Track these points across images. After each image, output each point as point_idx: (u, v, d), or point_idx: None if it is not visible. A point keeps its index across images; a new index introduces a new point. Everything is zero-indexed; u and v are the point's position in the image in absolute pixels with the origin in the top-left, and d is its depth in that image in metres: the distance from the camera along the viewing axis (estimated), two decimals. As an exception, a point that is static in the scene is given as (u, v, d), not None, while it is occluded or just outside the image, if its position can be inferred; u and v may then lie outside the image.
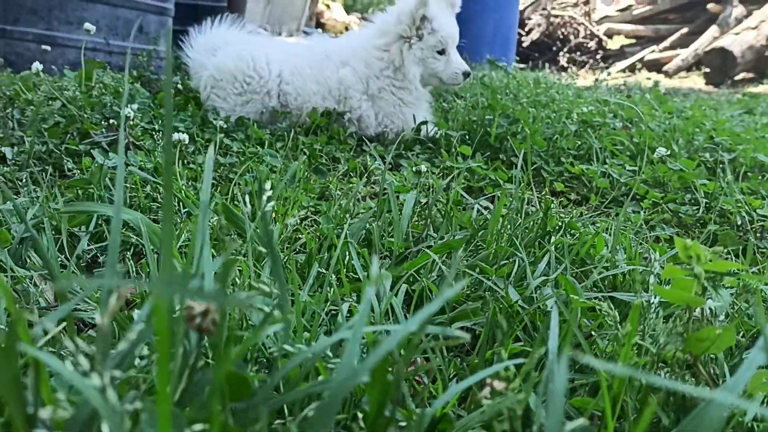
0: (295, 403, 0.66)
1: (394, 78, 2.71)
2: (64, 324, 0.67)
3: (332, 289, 1.13)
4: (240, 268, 0.98)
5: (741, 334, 1.07)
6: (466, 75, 2.77)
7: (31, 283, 1.11)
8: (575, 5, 11.00)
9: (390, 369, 0.53)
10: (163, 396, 0.42)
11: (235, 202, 1.65)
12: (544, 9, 10.84)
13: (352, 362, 0.47)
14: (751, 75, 9.29)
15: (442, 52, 2.74)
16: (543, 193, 1.85)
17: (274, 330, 0.63)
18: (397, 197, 1.58)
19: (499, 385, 0.58)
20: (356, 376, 0.46)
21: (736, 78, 9.11)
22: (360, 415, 0.73)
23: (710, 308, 0.88)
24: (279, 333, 0.65)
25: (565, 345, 0.56)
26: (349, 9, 12.95)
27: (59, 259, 1.19)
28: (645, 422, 0.59)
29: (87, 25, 2.80)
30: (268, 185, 0.78)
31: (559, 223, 1.49)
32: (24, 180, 1.67)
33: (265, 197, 0.77)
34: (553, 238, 1.41)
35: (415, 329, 0.54)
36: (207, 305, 0.54)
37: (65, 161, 1.89)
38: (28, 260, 1.20)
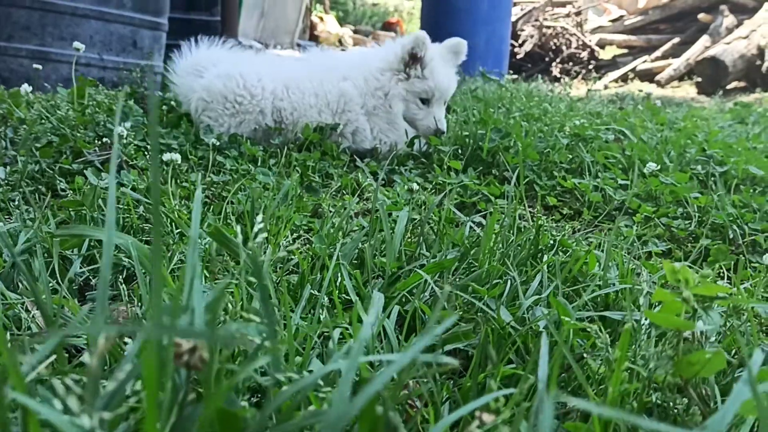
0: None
1: (385, 101, 2.72)
2: (53, 357, 0.67)
3: (324, 311, 1.13)
4: (232, 292, 0.98)
5: (733, 353, 1.08)
6: (439, 134, 2.73)
7: (23, 308, 1.11)
8: (567, 16, 11.07)
9: (378, 401, 0.53)
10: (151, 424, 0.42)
11: (228, 222, 1.65)
12: (536, 20, 10.89)
13: (345, 400, 0.47)
14: (742, 84, 9.34)
15: (426, 102, 2.73)
16: (536, 209, 1.85)
17: (265, 361, 0.63)
18: (389, 215, 1.58)
19: (488, 418, 0.58)
20: (348, 414, 0.46)
21: (728, 87, 9.16)
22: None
23: (701, 331, 0.89)
24: (270, 363, 0.66)
25: (554, 374, 0.57)
26: (342, 21, 13.00)
27: (51, 284, 1.19)
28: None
29: (76, 44, 2.80)
30: (259, 217, 0.78)
31: (551, 241, 1.50)
32: (17, 201, 1.67)
33: (256, 228, 0.77)
34: (545, 257, 1.41)
35: (407, 363, 0.54)
36: (195, 342, 0.54)
37: (58, 181, 1.89)
38: (20, 285, 1.20)
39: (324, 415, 0.53)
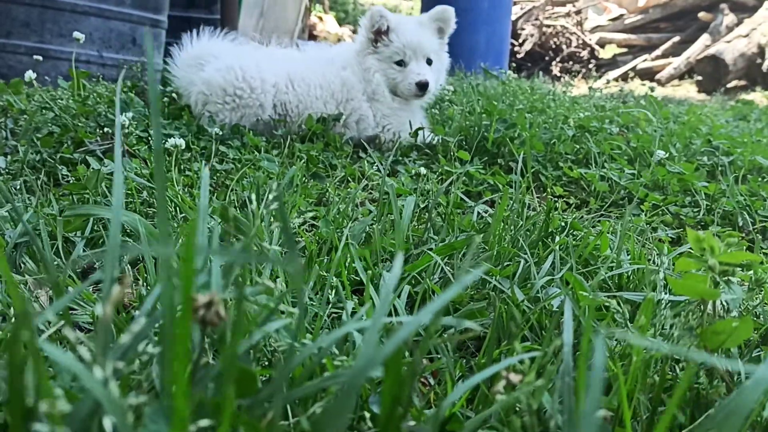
0: (302, 400, 0.64)
1: (369, 85, 2.76)
2: (61, 323, 0.65)
3: (334, 291, 1.11)
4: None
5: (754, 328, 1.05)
6: (420, 86, 2.71)
7: (25, 288, 1.08)
8: (567, 15, 11.06)
9: (405, 362, 0.51)
10: (180, 377, 0.40)
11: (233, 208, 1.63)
12: (536, 19, 10.89)
13: (370, 351, 0.45)
14: (743, 82, 9.33)
15: (400, 63, 2.74)
16: (545, 194, 1.83)
17: (281, 324, 0.60)
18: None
19: (515, 377, 0.56)
20: (373, 364, 0.44)
21: (729, 85, 9.16)
22: (367, 415, 0.71)
23: (723, 302, 0.87)
24: (285, 328, 0.63)
25: (587, 332, 0.54)
26: (341, 21, 12.98)
27: (55, 263, 1.17)
28: (668, 418, 0.56)
29: (76, 34, 2.78)
30: (273, 184, 0.76)
31: (562, 224, 1.48)
32: (18, 187, 1.64)
33: (270, 196, 0.75)
34: (557, 239, 1.39)
35: (429, 321, 0.52)
36: (211, 296, 0.52)
37: (59, 169, 1.86)
38: (23, 266, 1.17)
39: (346, 371, 0.51)
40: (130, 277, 1.16)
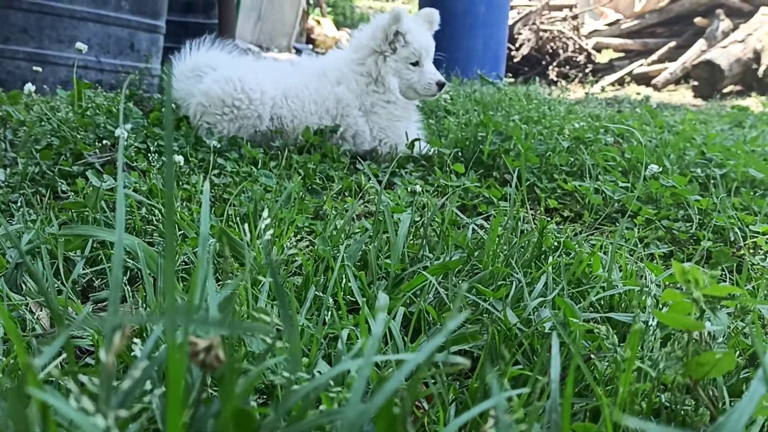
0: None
1: (378, 91, 2.76)
2: (63, 356, 0.67)
3: (330, 312, 1.13)
4: (238, 293, 0.98)
5: (738, 354, 1.08)
6: (440, 85, 2.80)
7: (27, 309, 1.10)
8: (564, 20, 11.09)
9: (396, 402, 0.53)
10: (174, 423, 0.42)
11: (230, 224, 1.65)
12: (533, 24, 10.92)
13: (359, 400, 0.47)
14: (738, 88, 9.37)
15: (416, 64, 2.79)
16: (538, 211, 1.85)
17: (278, 360, 0.62)
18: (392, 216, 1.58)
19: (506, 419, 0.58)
20: (365, 415, 0.46)
21: (724, 91, 9.19)
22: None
23: (709, 332, 0.89)
24: (281, 363, 0.65)
25: (571, 374, 0.56)
26: (339, 25, 13.00)
27: (55, 285, 1.19)
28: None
29: (79, 45, 2.80)
30: (266, 213, 0.78)
31: (555, 243, 1.50)
32: (18, 203, 1.66)
33: (262, 225, 0.77)
34: (550, 258, 1.41)
35: (424, 360, 0.54)
36: (210, 340, 0.54)
37: (59, 183, 1.88)
38: (24, 286, 1.19)
39: (341, 413, 0.53)
40: (129, 299, 1.18)
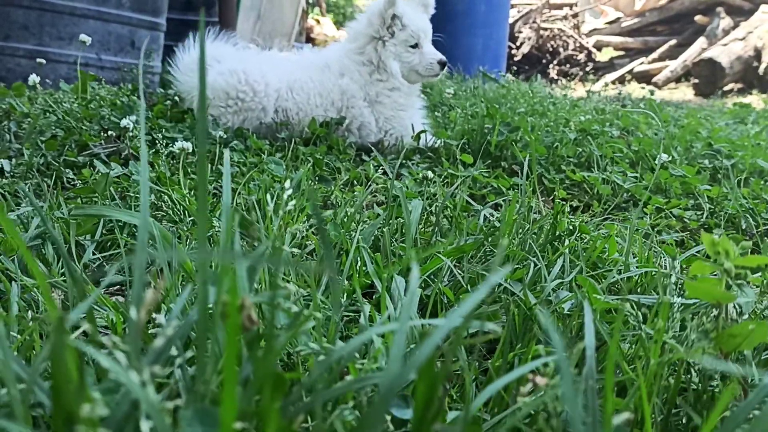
0: (325, 404, 0.64)
1: (382, 79, 2.75)
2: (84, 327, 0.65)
3: (345, 294, 1.11)
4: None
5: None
6: (442, 64, 2.79)
7: (39, 291, 1.08)
8: (564, 18, 11.09)
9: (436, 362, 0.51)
10: (230, 380, 0.40)
11: (240, 212, 1.63)
12: (534, 22, 10.91)
13: (401, 355, 0.45)
14: (739, 85, 9.37)
15: (415, 46, 2.78)
16: (552, 197, 1.84)
17: (310, 326, 0.61)
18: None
19: (541, 380, 0.56)
20: (407, 372, 0.44)
21: (725, 89, 9.19)
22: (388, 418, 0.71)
23: (735, 306, 0.87)
24: (311, 328, 0.64)
25: (615, 335, 0.55)
26: (339, 24, 12.99)
27: (65, 269, 1.17)
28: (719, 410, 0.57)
29: (82, 37, 2.79)
30: (287, 183, 0.77)
31: (570, 227, 1.48)
32: (26, 191, 1.64)
33: (285, 195, 0.75)
34: (566, 242, 1.39)
35: (459, 324, 0.52)
36: (243, 300, 0.52)
37: (65, 173, 1.86)
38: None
39: (381, 373, 0.51)
40: (162, 281, 1.17)
